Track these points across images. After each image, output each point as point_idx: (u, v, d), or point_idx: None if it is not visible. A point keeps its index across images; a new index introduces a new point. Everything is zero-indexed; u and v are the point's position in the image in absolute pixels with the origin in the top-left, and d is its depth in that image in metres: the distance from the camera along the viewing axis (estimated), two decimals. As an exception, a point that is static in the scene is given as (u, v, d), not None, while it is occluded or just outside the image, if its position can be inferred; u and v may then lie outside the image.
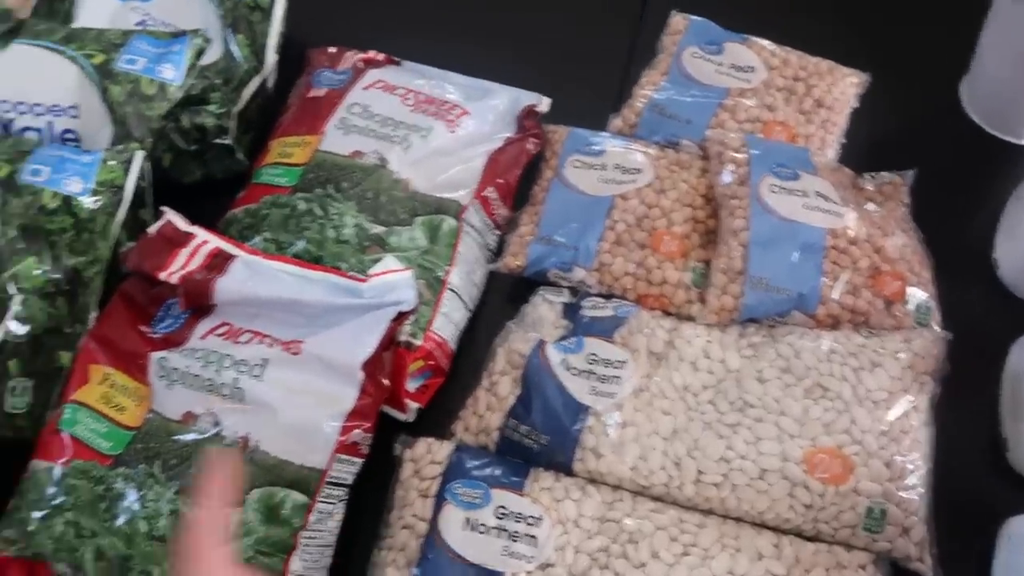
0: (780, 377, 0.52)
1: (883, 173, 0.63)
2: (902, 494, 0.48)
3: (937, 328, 0.55)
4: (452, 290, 0.57)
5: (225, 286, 0.51)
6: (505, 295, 0.63)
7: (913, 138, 0.71)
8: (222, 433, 0.48)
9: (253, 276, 0.52)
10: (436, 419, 0.57)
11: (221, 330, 0.51)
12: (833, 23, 0.76)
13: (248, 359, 0.49)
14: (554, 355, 0.54)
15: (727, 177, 0.59)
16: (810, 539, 0.49)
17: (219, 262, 0.53)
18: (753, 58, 0.69)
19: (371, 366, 0.49)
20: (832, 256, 0.56)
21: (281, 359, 0.49)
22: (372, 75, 0.65)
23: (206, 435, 0.48)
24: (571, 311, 0.58)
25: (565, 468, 0.51)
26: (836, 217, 0.57)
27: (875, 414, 0.50)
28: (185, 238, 0.54)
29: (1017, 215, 0.60)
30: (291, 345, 0.49)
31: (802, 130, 0.65)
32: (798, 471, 0.49)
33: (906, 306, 0.55)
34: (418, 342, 0.54)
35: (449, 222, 0.59)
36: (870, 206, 0.61)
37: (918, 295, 0.56)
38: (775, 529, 0.49)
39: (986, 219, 0.64)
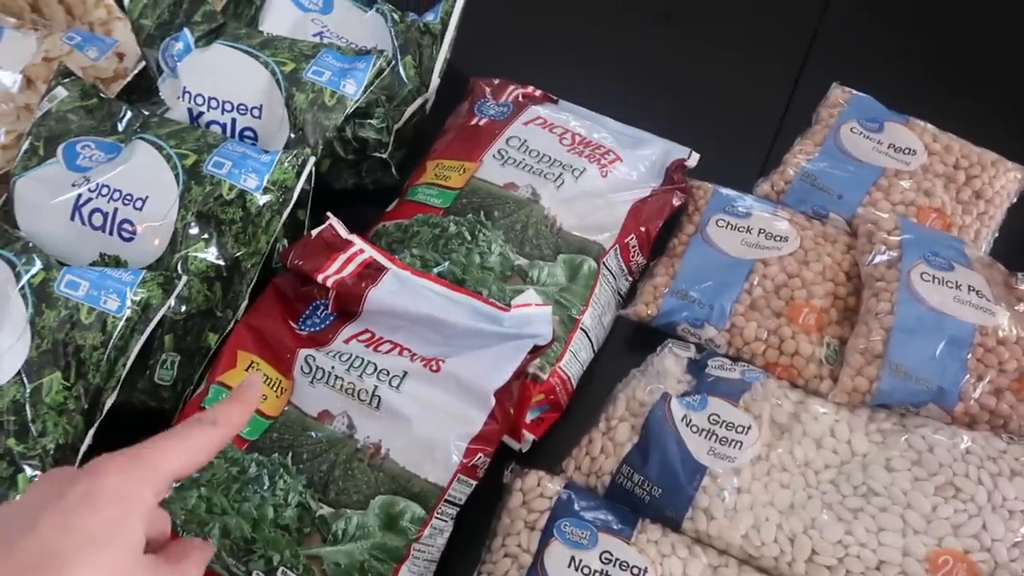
0: (910, 469, 0.51)
1: None
2: (1029, 613, 0.46)
3: (1084, 445, 0.53)
4: (583, 330, 0.58)
5: (376, 296, 0.54)
6: (627, 342, 0.64)
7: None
8: (355, 436, 0.50)
9: (402, 290, 0.54)
10: (547, 453, 0.58)
11: (364, 337, 0.54)
12: (999, 111, 0.74)
13: (389, 369, 0.51)
14: (677, 409, 0.55)
15: (877, 258, 0.59)
16: (922, 642, 0.47)
17: (372, 272, 0.55)
18: (914, 140, 0.68)
19: (503, 394, 0.50)
20: (978, 354, 0.54)
21: (420, 374, 0.51)
22: (532, 111, 0.68)
23: (339, 435, 0.50)
24: (696, 368, 0.59)
25: (674, 524, 0.51)
26: (988, 314, 0.56)
27: (1010, 524, 0.48)
28: (344, 244, 0.57)
29: None
30: (432, 362, 0.51)
31: (958, 220, 0.64)
32: (919, 569, 0.47)
33: (1052, 418, 0.53)
34: (545, 376, 0.56)
35: (590, 263, 0.60)
36: (1021, 307, 0.59)
37: (1067, 408, 0.54)
38: (886, 625, 0.48)
39: None
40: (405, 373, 0.51)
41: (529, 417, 0.57)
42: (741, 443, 0.53)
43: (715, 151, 0.72)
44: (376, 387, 0.50)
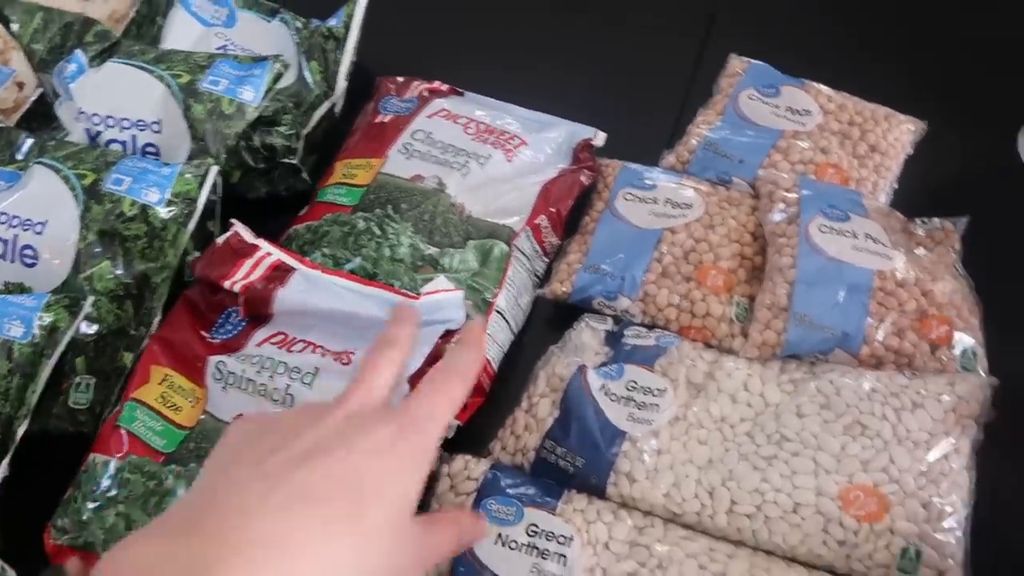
0: (819, 413, 0.52)
1: (934, 219, 0.63)
2: (939, 536, 0.47)
3: (983, 374, 0.55)
4: (499, 312, 0.59)
5: (284, 297, 0.54)
6: (548, 321, 0.64)
7: (967, 187, 0.70)
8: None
9: (311, 289, 0.54)
10: (474, 438, 0.58)
11: (276, 339, 0.54)
12: (896, 72, 0.76)
13: (301, 366, 0.51)
14: (594, 380, 0.55)
15: (777, 216, 0.60)
16: (842, 577, 0.49)
17: (280, 274, 0.55)
18: (809, 102, 0.70)
19: (417, 381, 0.51)
20: (878, 297, 0.56)
21: (332, 368, 0.51)
22: (436, 104, 0.68)
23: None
24: (613, 339, 0.60)
25: (599, 491, 0.52)
26: (885, 259, 0.57)
27: (914, 454, 0.49)
28: (250, 249, 0.57)
29: (1073, 266, 0.59)
30: (342, 355, 0.51)
31: (855, 173, 0.66)
32: (833, 507, 0.49)
33: (952, 351, 0.55)
34: (463, 360, 0.56)
35: (500, 247, 0.61)
36: (920, 251, 0.61)
37: (965, 340, 0.55)
38: (807, 564, 0.49)
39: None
40: (317, 369, 0.51)
41: (454, 404, 0.58)
42: (658, 406, 0.54)
43: (625, 129, 0.74)
44: (288, 386, 0.50)
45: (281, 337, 0.54)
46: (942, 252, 0.62)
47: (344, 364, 0.51)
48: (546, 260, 0.65)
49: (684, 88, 0.78)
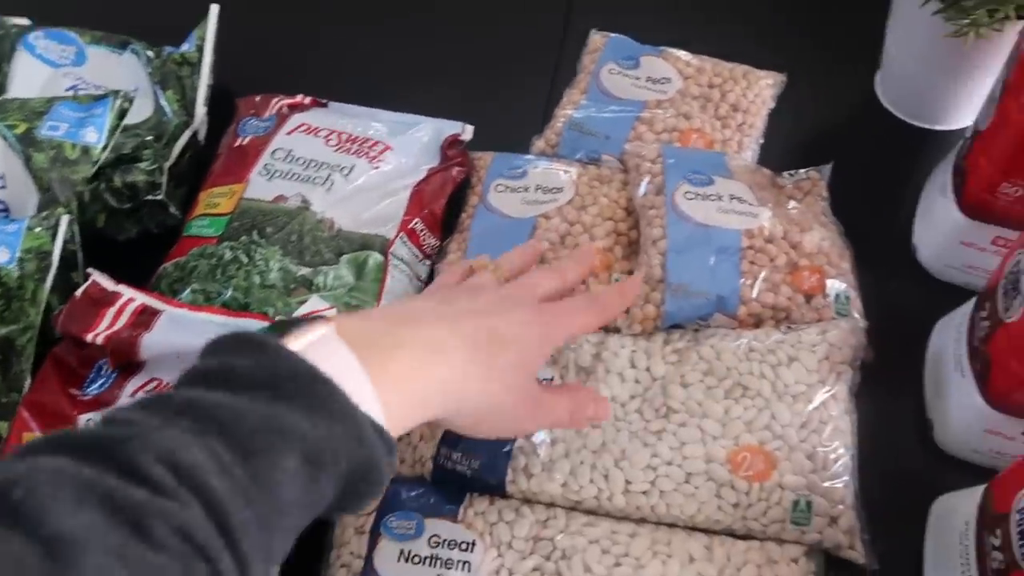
0: (703, 380, 0.52)
1: (800, 170, 0.64)
2: (827, 484, 0.49)
3: (858, 316, 0.56)
4: (381, 324, 0.58)
5: (152, 342, 0.52)
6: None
7: (832, 133, 0.72)
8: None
9: (179, 329, 0.53)
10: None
11: (150, 387, 0.52)
12: (756, 32, 0.77)
13: (173, 411, 0.50)
14: (483, 379, 0.55)
15: (644, 188, 0.61)
16: (743, 538, 0.49)
17: (145, 319, 0.54)
18: (668, 69, 0.70)
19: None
20: (749, 256, 0.57)
21: (205, 408, 0.49)
22: (296, 119, 0.67)
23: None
24: (502, 333, 0.59)
25: (500, 491, 0.52)
26: (752, 218, 0.58)
27: (794, 408, 0.50)
28: (111, 297, 0.55)
29: (932, 199, 0.61)
30: (215, 393, 0.50)
31: (719, 135, 0.66)
32: (723, 471, 0.49)
33: (826, 299, 0.56)
34: (348, 378, 0.55)
35: (375, 257, 0.60)
36: (790, 203, 0.62)
37: (837, 286, 0.57)
38: (707, 531, 0.50)
39: (907, 206, 0.65)
40: (190, 412, 0.49)
41: (350, 422, 0.57)
42: (548, 395, 0.54)
43: (498, 120, 0.73)
44: (162, 434, 0.49)
45: (155, 384, 0.52)
46: (810, 202, 0.63)
47: (218, 404, 0.49)
48: (427, 263, 0.64)
49: (551, 69, 0.78)
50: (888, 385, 0.56)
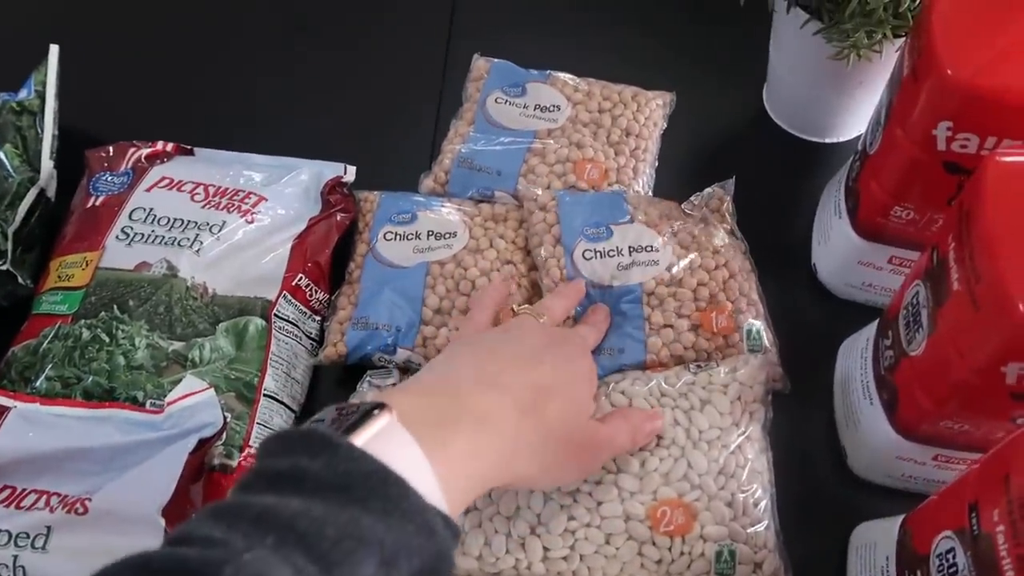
0: (615, 431, 0.50)
1: (706, 191, 0.63)
2: (749, 530, 0.47)
3: (770, 347, 0.55)
4: (269, 396, 0.53)
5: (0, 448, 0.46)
6: (338, 382, 0.60)
7: (726, 148, 0.71)
8: (7, 624, 0.42)
9: (30, 428, 0.47)
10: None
11: (2, 495, 0.46)
12: (639, 51, 0.76)
13: (29, 530, 0.44)
14: (384, 448, 0.51)
15: (542, 246, 0.58)
16: (669, 594, 0.47)
17: (-10, 420, 0.47)
18: (556, 95, 0.68)
19: (174, 507, 0.45)
20: (653, 303, 0.55)
21: (66, 523, 0.44)
22: (156, 172, 0.61)
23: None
24: (402, 392, 0.55)
25: (411, 568, 0.48)
26: (653, 266, 0.56)
27: (710, 455, 0.49)
28: (-53, 399, 0.48)
29: (827, 220, 0.60)
30: (77, 504, 0.44)
31: (613, 163, 0.64)
32: (643, 528, 0.47)
33: (738, 335, 0.55)
34: (234, 463, 0.50)
35: (256, 323, 0.55)
36: (698, 228, 0.60)
37: (748, 321, 0.55)
38: (631, 592, 0.47)
39: (803, 221, 0.65)
40: (49, 528, 0.44)
41: (241, 505, 0.52)
42: (455, 461, 0.50)
43: (381, 155, 0.69)
44: (16, 556, 0.43)
45: (8, 493, 0.46)
46: (717, 219, 0.61)
47: (80, 515, 0.44)
48: (317, 319, 0.60)
49: (436, 97, 0.74)
50: (799, 411, 0.56)
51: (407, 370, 0.57)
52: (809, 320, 0.61)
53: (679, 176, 0.68)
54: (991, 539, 0.34)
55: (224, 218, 0.57)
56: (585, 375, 0.48)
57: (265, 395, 0.53)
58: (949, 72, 0.43)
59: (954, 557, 0.37)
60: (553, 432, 0.43)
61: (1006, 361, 0.38)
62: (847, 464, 0.54)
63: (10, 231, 0.61)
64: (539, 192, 0.60)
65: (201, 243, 0.56)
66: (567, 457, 0.45)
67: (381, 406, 0.36)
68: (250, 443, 0.51)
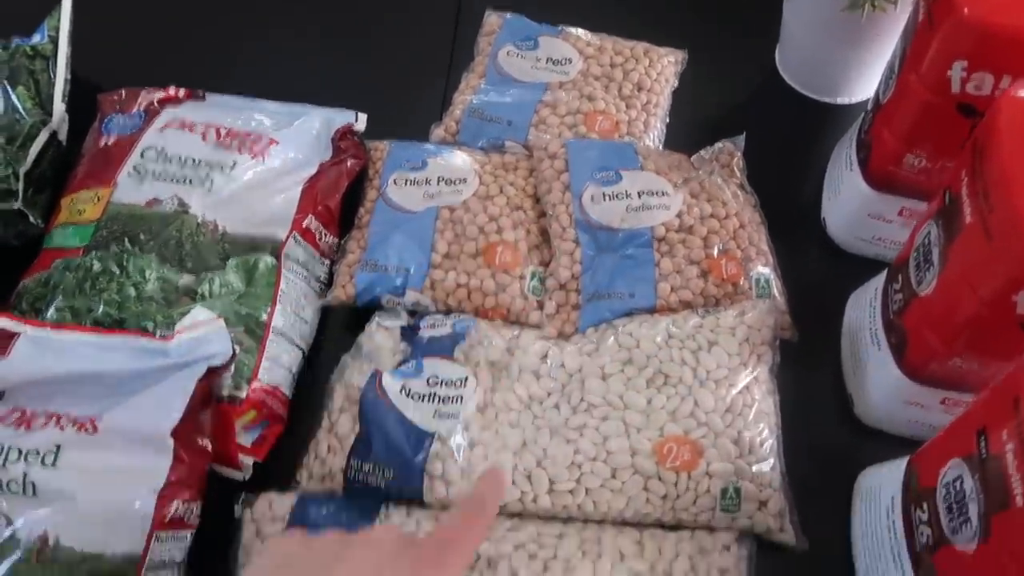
0: (623, 370, 0.50)
1: (716, 145, 0.63)
2: (754, 468, 0.47)
3: (779, 296, 0.55)
4: (277, 332, 0.53)
5: (9, 368, 0.46)
6: (345, 327, 0.59)
7: (737, 108, 0.71)
8: (17, 535, 0.42)
9: (41, 353, 0.47)
10: (283, 470, 0.53)
11: (13, 418, 0.46)
12: (651, 9, 0.76)
13: (39, 447, 0.44)
14: (392, 384, 0.51)
15: (549, 187, 0.58)
16: (673, 528, 0.48)
17: (1, 343, 0.47)
18: (569, 49, 0.68)
19: (183, 430, 0.45)
20: (663, 249, 0.55)
21: (76, 441, 0.44)
22: (168, 115, 0.61)
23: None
24: (410, 333, 0.56)
25: (418, 500, 0.48)
26: (664, 211, 0.56)
27: (717, 393, 0.49)
28: (-42, 321, 0.48)
29: (838, 173, 0.60)
30: (87, 424, 0.44)
31: (624, 116, 0.64)
32: (649, 464, 0.47)
33: (747, 282, 0.55)
34: (242, 394, 0.50)
35: (266, 260, 0.55)
36: (708, 180, 0.60)
37: (757, 270, 0.56)
38: (636, 525, 0.48)
39: (814, 180, 0.65)
40: (59, 447, 0.44)
41: (248, 440, 0.52)
42: (462, 397, 0.51)
43: (393, 106, 0.69)
44: (26, 473, 0.43)
45: (18, 415, 0.46)
46: (727, 174, 0.61)
47: (91, 434, 0.44)
48: (327, 262, 0.60)
49: (448, 51, 0.74)
50: (806, 361, 0.56)
51: (415, 312, 0.57)
52: (817, 275, 0.61)
53: (689, 135, 0.68)
54: (1000, 460, 0.34)
55: (235, 158, 0.58)
56: None
57: (274, 331, 0.53)
58: (966, 11, 0.43)
59: (961, 484, 0.37)
60: None
61: (1017, 290, 0.38)
62: (854, 413, 0.54)
63: (21, 171, 0.61)
64: (549, 139, 0.60)
65: (212, 182, 0.56)
66: None
67: None
68: (258, 376, 0.51)
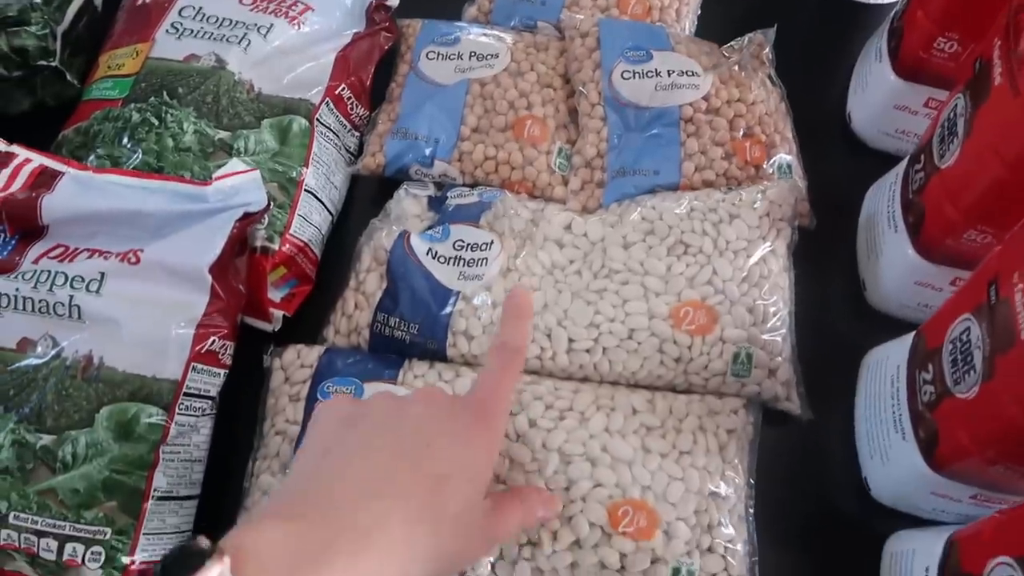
0: (644, 239, 0.52)
1: (747, 36, 0.63)
2: (766, 337, 0.49)
3: (800, 181, 0.56)
4: (309, 191, 0.55)
5: (53, 204, 0.48)
6: (371, 199, 0.61)
7: (768, 4, 0.71)
8: (63, 353, 0.45)
9: (85, 191, 0.48)
10: (309, 329, 0.55)
11: (55, 252, 0.48)
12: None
13: (83, 275, 0.46)
14: (420, 245, 0.53)
15: (581, 67, 0.58)
16: (684, 392, 0.49)
17: (45, 180, 0.49)
18: (605, -66, 0.67)
19: (220, 269, 0.47)
20: (690, 130, 0.56)
21: (119, 270, 0.46)
22: (204, -22, 0.61)
23: (45, 359, 0.45)
24: (437, 203, 0.57)
25: (440, 355, 0.51)
26: (693, 90, 0.57)
27: (735, 263, 0.50)
28: (4, 158, 0.50)
29: (867, 66, 0.61)
30: (129, 254, 0.46)
31: (657, 2, 0.64)
32: (665, 326, 0.49)
33: (769, 167, 0.56)
34: (275, 246, 0.52)
35: (299, 122, 0.56)
36: (735, 68, 0.60)
37: (780, 155, 0.56)
38: (649, 387, 0.49)
39: (842, 79, 0.65)
40: (103, 275, 0.46)
41: (278, 295, 0.54)
42: (487, 259, 0.52)
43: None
44: (72, 296, 0.45)
45: (61, 250, 0.48)
46: (756, 65, 0.61)
47: (133, 264, 0.46)
48: (356, 134, 0.61)
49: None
50: (821, 251, 0.57)
51: (442, 185, 0.58)
52: (839, 170, 0.61)
53: (722, 30, 0.68)
54: (1008, 302, 0.35)
55: (272, 21, 0.58)
56: (484, 449, 0.38)
57: (306, 190, 0.55)
58: None
59: (968, 335, 0.39)
60: (449, 529, 0.36)
61: (1041, 151, 0.39)
62: (865, 297, 0.56)
63: (59, 31, 0.62)
64: (581, 19, 0.60)
65: (249, 42, 0.57)
66: (460, 552, 0.37)
67: (213, 552, 0.30)
68: (290, 231, 0.53)
